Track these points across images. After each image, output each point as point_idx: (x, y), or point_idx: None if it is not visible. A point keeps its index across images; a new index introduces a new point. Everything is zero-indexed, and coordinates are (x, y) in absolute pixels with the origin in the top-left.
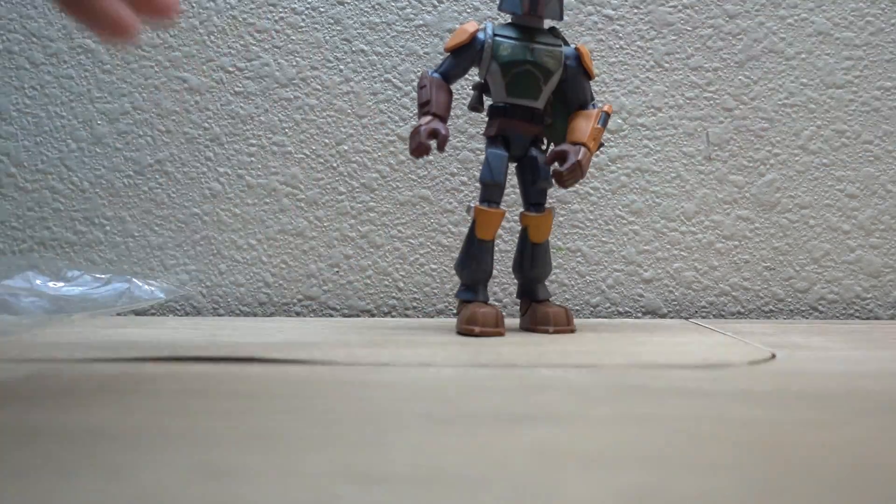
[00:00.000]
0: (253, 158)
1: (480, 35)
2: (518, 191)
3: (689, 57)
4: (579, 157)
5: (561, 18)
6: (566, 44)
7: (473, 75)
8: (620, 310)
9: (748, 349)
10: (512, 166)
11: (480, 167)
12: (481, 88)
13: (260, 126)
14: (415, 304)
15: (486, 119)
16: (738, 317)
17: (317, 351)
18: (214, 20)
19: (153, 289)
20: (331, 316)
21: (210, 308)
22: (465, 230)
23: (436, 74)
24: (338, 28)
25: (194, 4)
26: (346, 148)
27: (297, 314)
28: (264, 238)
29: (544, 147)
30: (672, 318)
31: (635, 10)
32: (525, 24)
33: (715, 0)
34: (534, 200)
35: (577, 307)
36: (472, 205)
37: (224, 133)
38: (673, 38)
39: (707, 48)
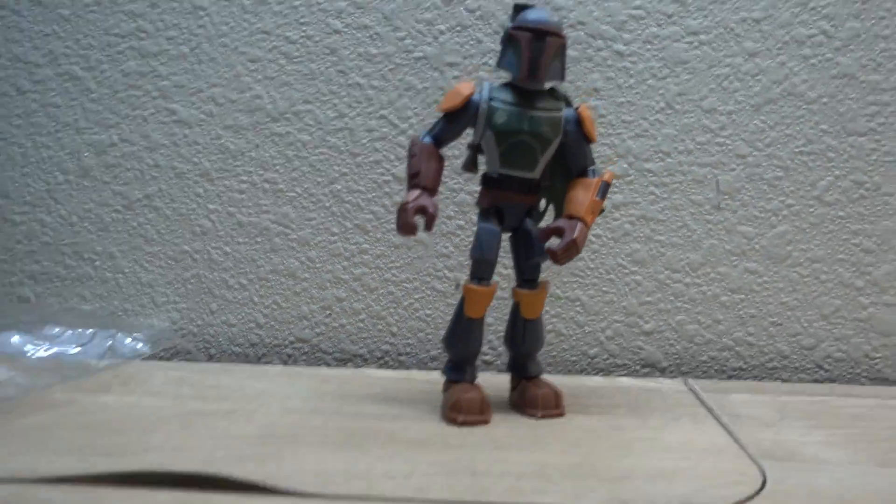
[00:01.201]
0: (244, 196)
1: (476, 97)
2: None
3: (702, 98)
4: (575, 234)
5: (563, 79)
6: (568, 103)
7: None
8: (619, 362)
9: (739, 466)
10: (505, 235)
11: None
12: (476, 149)
13: (251, 162)
14: (408, 349)
15: (479, 187)
16: (739, 373)
17: (287, 463)
18: (205, 48)
19: (138, 343)
20: (322, 360)
21: (201, 347)
22: (462, 275)
23: (427, 139)
24: (333, 59)
25: (184, 31)
26: (339, 187)
27: (289, 356)
28: (256, 278)
29: (542, 208)
30: (671, 375)
31: (648, 46)
32: (524, 87)
33: (734, 36)
34: (527, 276)
35: (574, 357)
36: (461, 282)
37: (214, 168)
38: (686, 77)
39: (722, 89)
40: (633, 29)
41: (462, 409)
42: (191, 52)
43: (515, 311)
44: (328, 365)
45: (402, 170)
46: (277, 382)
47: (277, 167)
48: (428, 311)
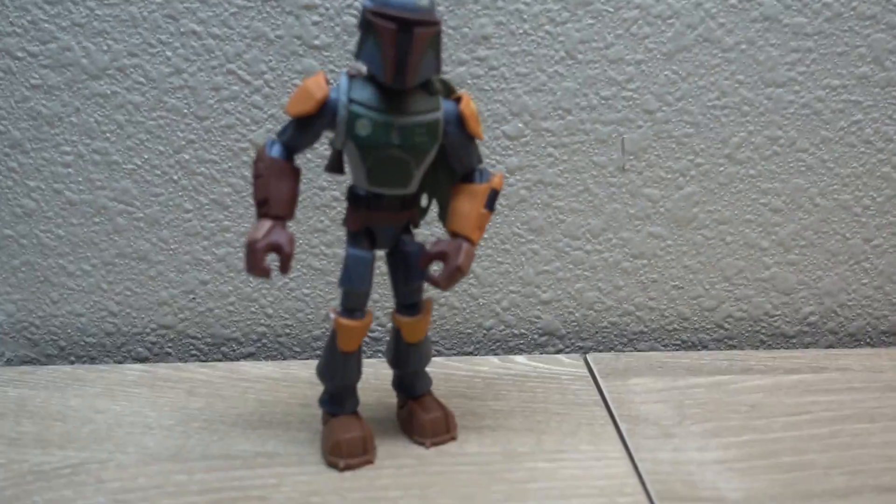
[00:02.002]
0: (70, 170)
1: (332, 97)
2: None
3: (607, 46)
4: (459, 260)
5: (439, 72)
6: (448, 91)
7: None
8: (516, 332)
9: None
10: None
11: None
12: (340, 152)
13: (73, 129)
14: (287, 330)
15: (346, 206)
16: (640, 336)
17: None
18: None
19: None
20: (192, 345)
21: (48, 339)
22: (340, 252)
23: (275, 150)
24: (157, 0)
25: None
26: (186, 157)
27: (153, 343)
28: (100, 263)
29: (425, 204)
30: (570, 343)
31: None
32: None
33: None
34: (406, 301)
35: (469, 330)
36: (332, 315)
37: (27, 138)
38: (590, 21)
39: (630, 35)
40: None
41: (343, 453)
42: None
43: (397, 334)
44: (199, 352)
45: (260, 135)
46: (137, 399)
47: (107, 135)
48: (306, 291)
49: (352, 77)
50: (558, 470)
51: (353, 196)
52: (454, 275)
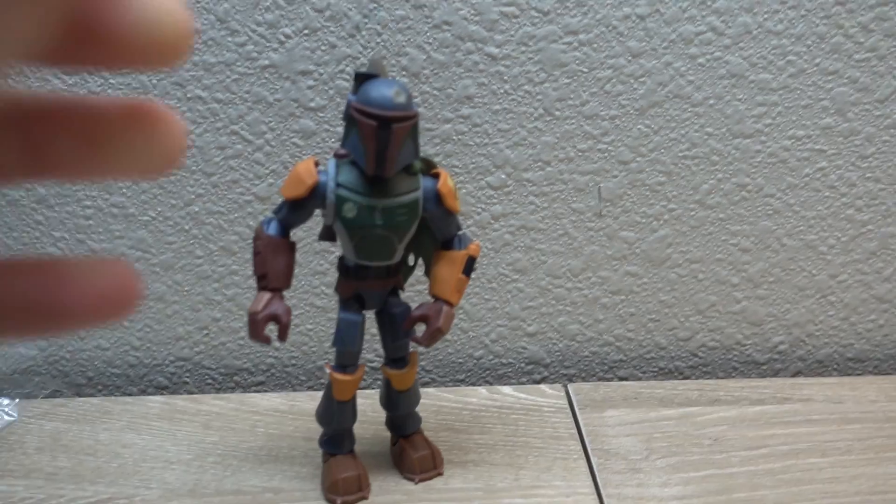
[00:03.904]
0: (91, 221)
1: (322, 180)
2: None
3: (583, 103)
4: (440, 323)
5: (417, 157)
6: (428, 166)
7: None
8: (504, 361)
9: None
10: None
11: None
12: (330, 226)
13: (92, 185)
14: (293, 361)
15: (337, 275)
16: (620, 364)
17: None
18: None
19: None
20: (208, 375)
21: (77, 371)
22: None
23: (272, 227)
24: (165, 69)
25: None
26: (196, 209)
27: (172, 374)
28: None
29: (411, 263)
30: (555, 371)
31: (523, 49)
32: None
33: (617, 35)
34: (394, 356)
35: (460, 360)
36: (327, 370)
37: (51, 194)
38: (566, 81)
39: (605, 93)
40: (506, 29)
41: (340, 491)
42: None
43: (388, 382)
44: (214, 381)
45: (262, 188)
46: (158, 433)
47: (124, 190)
48: (309, 327)
49: (339, 158)
50: None
51: (343, 267)
52: (435, 335)
